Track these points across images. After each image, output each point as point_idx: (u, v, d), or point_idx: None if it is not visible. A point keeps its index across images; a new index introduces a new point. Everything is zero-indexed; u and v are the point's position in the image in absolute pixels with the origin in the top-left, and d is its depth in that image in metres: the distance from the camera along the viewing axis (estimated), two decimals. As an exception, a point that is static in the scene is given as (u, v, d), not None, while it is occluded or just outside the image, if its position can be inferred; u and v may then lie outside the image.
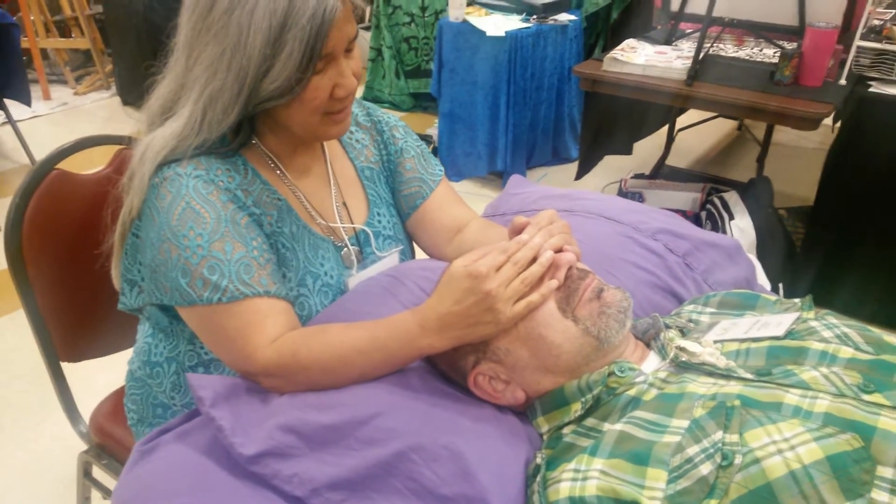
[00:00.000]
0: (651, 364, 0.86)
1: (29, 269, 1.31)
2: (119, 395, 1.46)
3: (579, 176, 2.87)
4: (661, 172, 3.05)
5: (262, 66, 0.87)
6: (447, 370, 0.92)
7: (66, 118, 4.23)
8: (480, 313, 0.82)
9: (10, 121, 3.45)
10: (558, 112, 3.51)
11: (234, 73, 0.88)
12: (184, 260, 0.90)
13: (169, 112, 0.96)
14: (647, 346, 0.91)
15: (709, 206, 2.47)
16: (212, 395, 0.87)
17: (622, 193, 2.68)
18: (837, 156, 2.31)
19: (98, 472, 1.43)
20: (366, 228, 1.12)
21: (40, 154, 3.95)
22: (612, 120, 2.88)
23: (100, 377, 1.45)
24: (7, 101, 3.40)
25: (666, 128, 3.26)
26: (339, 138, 1.10)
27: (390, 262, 1.14)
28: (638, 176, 2.79)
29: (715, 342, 0.86)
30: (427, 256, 1.22)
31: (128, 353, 1.45)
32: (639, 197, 2.66)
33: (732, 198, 2.37)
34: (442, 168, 1.21)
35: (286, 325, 0.92)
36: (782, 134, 3.50)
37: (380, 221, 1.14)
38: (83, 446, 1.44)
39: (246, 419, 0.86)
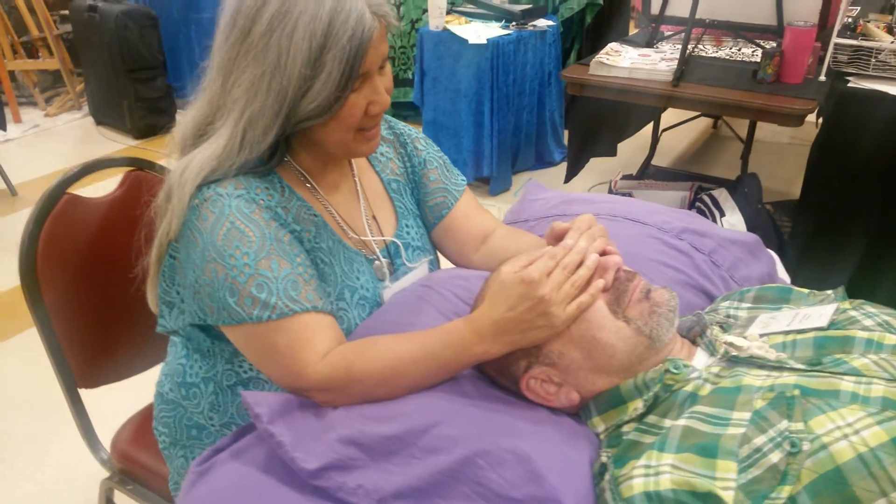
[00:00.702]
0: (700, 360, 0.89)
1: (44, 295, 1.29)
2: (139, 419, 1.45)
3: (568, 179, 2.90)
4: (648, 172, 3.10)
5: (301, 87, 0.88)
6: (496, 376, 0.94)
7: (38, 140, 4.16)
8: (534, 318, 0.84)
9: (-14, 146, 3.38)
10: (540, 116, 3.56)
11: (273, 95, 0.89)
12: (231, 279, 0.90)
13: (203, 134, 0.97)
14: (693, 343, 0.93)
15: (698, 203, 2.52)
16: (268, 411, 0.87)
17: (612, 194, 2.72)
18: (821, 149, 2.37)
19: (120, 498, 1.42)
20: (396, 240, 1.13)
21: (17, 179, 3.89)
22: (597, 123, 2.93)
23: (104, 403, 1.43)
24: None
25: (647, 129, 3.32)
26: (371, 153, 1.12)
27: (421, 272, 1.16)
28: (626, 177, 2.83)
29: (760, 335, 0.89)
30: (451, 265, 1.23)
31: (141, 378, 1.45)
32: (629, 197, 2.71)
33: (722, 195, 2.42)
34: (464, 178, 1.23)
35: (334, 339, 0.93)
36: (759, 131, 3.59)
37: (408, 233, 1.15)
38: (91, 474, 1.42)
39: (304, 434, 0.86)
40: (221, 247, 0.90)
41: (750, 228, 2.34)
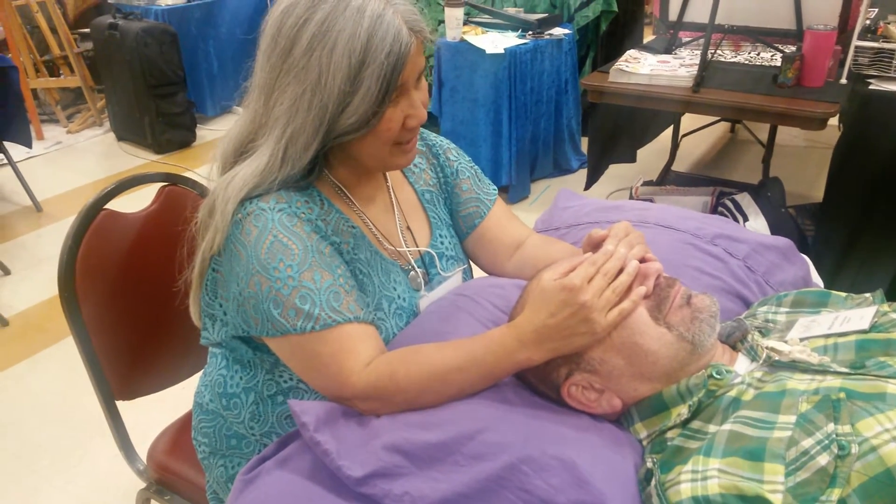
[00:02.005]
0: (742, 365, 0.89)
1: (82, 309, 1.32)
2: (176, 429, 1.47)
3: (588, 186, 2.91)
4: (668, 178, 3.10)
5: (341, 103, 0.90)
6: (537, 383, 0.94)
7: (61, 156, 4.22)
8: (576, 324, 0.85)
9: (10, 163, 3.43)
10: (557, 124, 3.57)
11: (315, 111, 0.91)
12: (275, 291, 0.92)
13: (245, 152, 0.99)
14: (734, 348, 0.94)
15: (721, 208, 2.52)
16: (314, 420, 0.88)
17: (638, 201, 2.72)
18: (844, 152, 2.37)
19: (156, 508, 1.44)
20: (430, 251, 1.14)
21: (41, 195, 3.95)
22: (616, 129, 2.94)
23: (131, 415, 1.45)
24: (6, 144, 3.40)
25: (664, 134, 3.32)
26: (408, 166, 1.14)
27: (455, 281, 1.17)
28: (647, 183, 2.83)
29: (801, 340, 0.89)
30: (485, 274, 1.25)
31: (172, 391, 1.47)
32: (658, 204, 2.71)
33: (745, 199, 2.42)
34: (495, 187, 1.24)
35: (376, 348, 0.94)
36: (780, 134, 3.58)
37: (442, 243, 1.17)
38: (123, 486, 1.44)
39: (349, 442, 0.87)
40: (265, 260, 0.92)
41: (774, 233, 2.34)
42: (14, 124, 3.35)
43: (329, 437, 0.87)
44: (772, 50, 2.61)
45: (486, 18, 3.49)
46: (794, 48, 2.40)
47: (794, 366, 0.85)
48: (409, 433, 0.86)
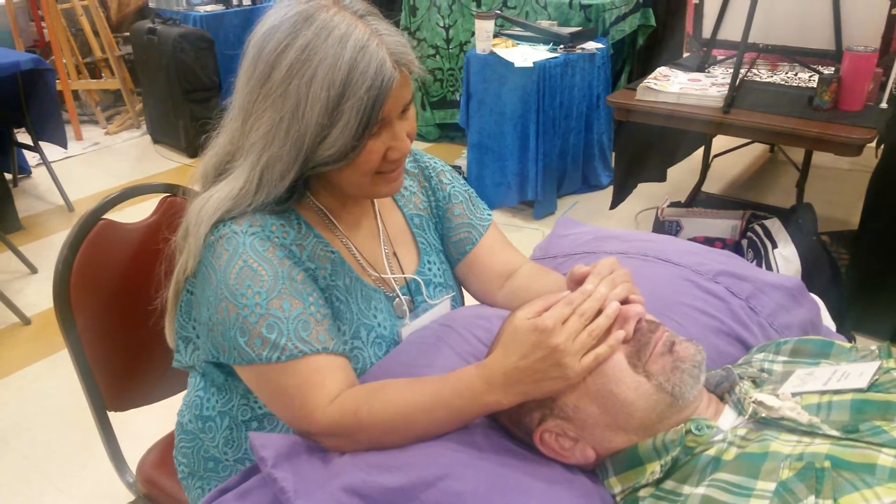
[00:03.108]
0: (727, 420, 0.83)
1: (77, 319, 1.31)
2: (165, 444, 1.45)
3: (614, 205, 2.84)
4: (698, 199, 3.01)
5: (318, 135, 0.87)
6: (510, 426, 0.89)
7: (97, 157, 4.29)
8: (548, 368, 0.79)
9: (45, 163, 3.51)
10: (588, 139, 3.50)
11: (291, 141, 0.88)
12: (242, 319, 0.89)
13: (223, 171, 0.96)
14: (721, 399, 0.88)
15: (750, 233, 2.43)
16: (273, 454, 0.85)
17: (659, 222, 2.64)
18: (882, 179, 2.26)
19: (145, 523, 1.42)
20: (417, 277, 1.10)
21: (74, 195, 4.03)
22: (645, 147, 2.86)
23: (137, 422, 1.44)
24: (42, 144, 3.47)
25: (698, 153, 3.23)
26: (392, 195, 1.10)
27: (442, 309, 1.13)
28: (674, 204, 2.75)
29: (793, 394, 0.82)
30: (476, 302, 1.20)
31: (172, 400, 1.45)
32: (676, 226, 2.62)
33: (774, 225, 2.32)
34: (490, 213, 1.20)
35: (345, 381, 0.90)
36: (817, 156, 3.45)
37: (430, 269, 1.12)
38: (125, 493, 1.43)
39: (308, 480, 0.83)
40: (234, 285, 0.89)
41: (804, 261, 2.24)
42: (50, 125, 3.42)
43: (288, 473, 0.84)
44: (810, 71, 2.51)
45: (518, 31, 3.44)
46: (832, 69, 2.30)
47: (782, 424, 0.78)
48: (368, 475, 0.82)
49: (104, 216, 1.34)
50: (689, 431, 0.79)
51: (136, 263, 1.39)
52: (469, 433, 0.87)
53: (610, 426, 0.82)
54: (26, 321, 2.67)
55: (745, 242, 2.48)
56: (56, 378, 2.40)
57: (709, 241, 2.59)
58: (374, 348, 1.03)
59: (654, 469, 0.79)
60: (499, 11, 3.56)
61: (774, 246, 2.31)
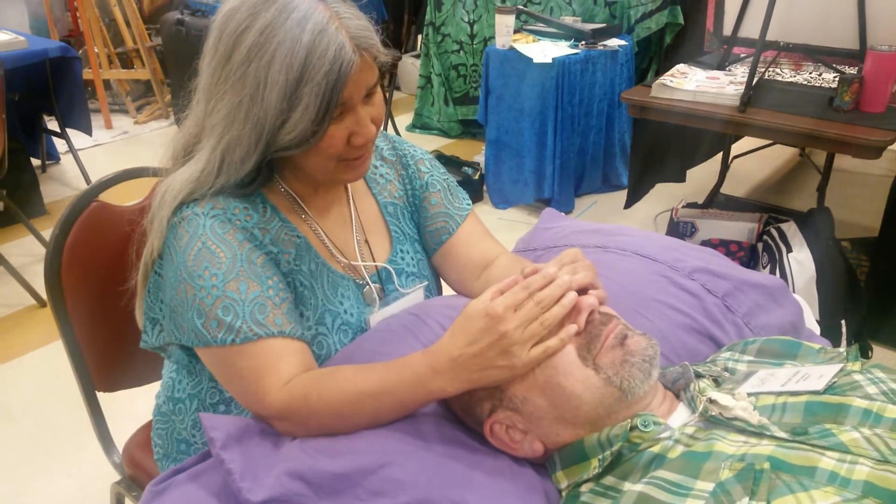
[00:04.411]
0: (679, 417, 0.80)
1: (67, 300, 1.32)
2: (150, 427, 1.47)
3: (629, 204, 2.80)
4: (716, 201, 2.94)
5: (278, 119, 0.86)
6: (462, 416, 0.88)
7: (125, 146, 4.37)
8: (495, 356, 0.77)
9: (71, 150, 3.58)
10: (608, 138, 3.45)
11: (251, 124, 0.87)
12: (199, 300, 0.89)
13: (190, 152, 0.97)
14: (677, 396, 0.85)
15: (765, 237, 2.37)
16: (223, 436, 0.85)
17: (673, 223, 2.59)
18: (902, 184, 2.19)
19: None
20: (388, 266, 1.09)
21: (99, 182, 4.00)
22: (663, 147, 2.81)
23: (140, 403, 1.46)
24: (70, 131, 3.54)
25: (720, 154, 3.16)
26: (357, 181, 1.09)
27: (415, 298, 1.12)
28: (690, 205, 2.69)
29: (749, 395, 0.79)
30: (454, 293, 1.19)
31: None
32: (691, 227, 2.57)
33: (790, 229, 2.26)
34: (470, 202, 1.18)
35: (301, 365, 0.90)
36: (846, 160, 3.35)
37: (402, 258, 1.11)
38: (118, 475, 1.45)
39: (256, 463, 0.83)
40: (192, 267, 0.89)
41: (819, 267, 2.17)
42: (76, 112, 3.49)
43: (237, 455, 0.84)
44: (834, 71, 2.43)
45: (540, 27, 3.41)
46: (854, 70, 2.23)
47: (732, 424, 0.75)
48: (314, 460, 0.81)
49: (107, 197, 1.36)
50: (634, 427, 0.76)
51: (127, 246, 1.40)
52: (418, 422, 0.85)
53: (558, 419, 0.80)
54: (42, 303, 2.73)
55: (760, 246, 2.42)
56: (61, 362, 2.44)
57: (724, 244, 2.53)
58: (340, 335, 1.02)
59: (595, 464, 0.76)
60: (521, 7, 3.53)
61: (789, 250, 2.25)
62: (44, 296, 2.75)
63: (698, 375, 0.85)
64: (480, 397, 0.83)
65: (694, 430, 0.76)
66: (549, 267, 0.82)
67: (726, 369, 0.89)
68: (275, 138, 0.88)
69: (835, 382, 0.77)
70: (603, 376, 0.78)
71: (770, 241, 2.36)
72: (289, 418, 0.86)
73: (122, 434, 1.44)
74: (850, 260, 2.31)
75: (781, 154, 3.87)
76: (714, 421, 0.77)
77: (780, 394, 0.78)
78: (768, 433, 0.72)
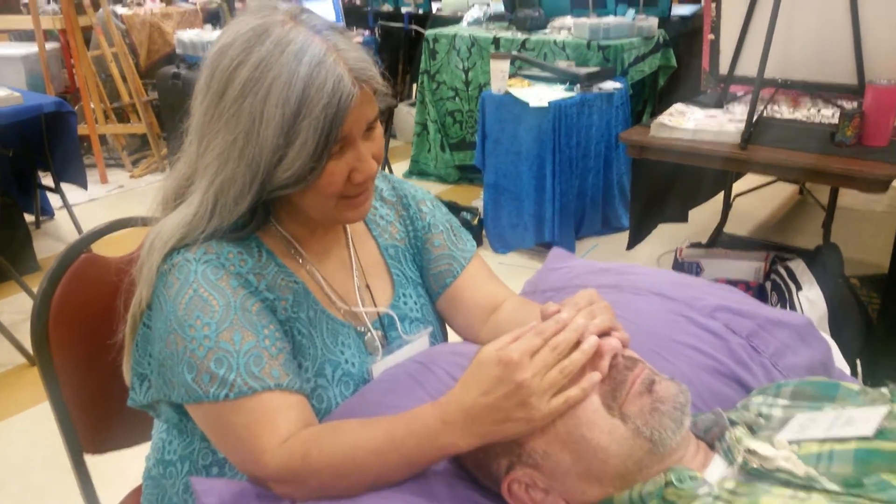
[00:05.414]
0: (716, 470, 0.73)
1: (55, 356, 1.26)
2: (139, 491, 1.39)
3: (631, 245, 2.75)
4: (720, 241, 2.90)
5: (274, 156, 0.82)
6: (477, 474, 0.81)
7: (121, 200, 4.33)
8: (512, 408, 0.71)
9: (65, 204, 3.54)
10: (607, 180, 3.43)
11: (245, 162, 0.83)
12: (189, 352, 0.83)
13: (181, 197, 0.92)
14: (711, 447, 0.78)
15: (773, 276, 2.32)
16: (217, 502, 0.78)
17: (678, 264, 2.54)
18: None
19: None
20: (390, 312, 1.03)
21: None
22: (663, 187, 2.78)
23: (131, 466, 1.38)
24: (65, 186, 3.51)
25: (723, 193, 3.13)
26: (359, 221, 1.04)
27: (420, 345, 1.05)
28: (694, 245, 2.65)
29: (790, 442, 0.73)
30: (461, 339, 1.12)
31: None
32: (696, 267, 2.52)
33: (799, 267, 2.21)
34: (474, 243, 1.13)
35: (299, 421, 0.83)
36: (849, 197, 3.33)
37: (405, 303, 1.06)
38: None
39: (252, 532, 0.76)
40: (182, 316, 0.84)
41: (830, 304, 2.12)
42: (71, 166, 3.46)
43: (231, 523, 0.77)
44: (833, 107, 2.42)
45: (534, 71, 3.41)
46: (854, 104, 2.22)
47: (776, 476, 0.69)
48: (315, 527, 0.74)
49: (96, 249, 1.32)
50: (669, 483, 0.70)
51: (117, 298, 1.35)
52: (428, 482, 0.78)
53: (583, 476, 0.73)
54: (33, 361, 2.65)
55: (768, 285, 2.36)
56: (52, 422, 2.36)
57: (731, 284, 2.48)
58: (341, 387, 0.95)
59: (628, 525, 0.69)
60: (515, 52, 3.55)
61: (799, 288, 2.19)
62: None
63: (732, 423, 0.78)
64: (496, 453, 0.76)
65: (734, 484, 0.69)
66: (562, 312, 0.77)
67: (760, 415, 0.82)
68: (271, 176, 0.83)
69: (885, 427, 0.71)
70: (631, 426, 0.71)
71: (779, 280, 2.31)
72: (287, 480, 0.79)
73: (111, 499, 1.36)
74: (861, 297, 2.26)
75: (782, 192, 3.85)
76: (755, 473, 0.71)
77: (824, 440, 0.72)
78: (818, 486, 0.65)
